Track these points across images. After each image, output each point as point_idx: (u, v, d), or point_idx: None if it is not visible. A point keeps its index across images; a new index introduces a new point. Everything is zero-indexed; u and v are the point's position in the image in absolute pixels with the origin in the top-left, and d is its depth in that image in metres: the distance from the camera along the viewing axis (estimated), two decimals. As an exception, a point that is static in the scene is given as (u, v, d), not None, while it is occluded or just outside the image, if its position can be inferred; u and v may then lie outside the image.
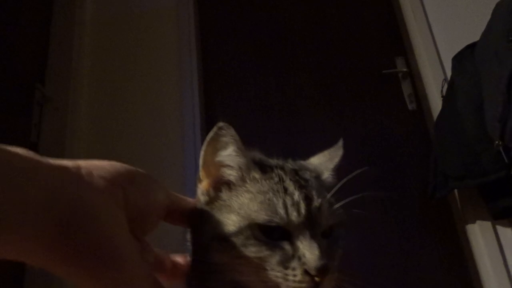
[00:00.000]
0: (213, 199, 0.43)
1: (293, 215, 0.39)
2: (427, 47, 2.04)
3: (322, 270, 0.37)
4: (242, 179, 0.43)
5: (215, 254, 0.39)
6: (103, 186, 0.31)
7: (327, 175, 0.48)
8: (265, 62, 2.21)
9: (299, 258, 0.38)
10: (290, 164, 0.46)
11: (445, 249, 1.84)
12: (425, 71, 2.03)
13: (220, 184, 0.44)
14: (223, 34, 2.30)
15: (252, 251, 0.38)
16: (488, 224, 1.74)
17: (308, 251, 0.38)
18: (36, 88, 1.88)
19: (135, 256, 0.32)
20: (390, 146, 2.01)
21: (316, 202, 0.41)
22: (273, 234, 0.39)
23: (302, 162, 0.50)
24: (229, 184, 0.43)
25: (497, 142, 1.38)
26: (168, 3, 2.27)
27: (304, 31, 2.26)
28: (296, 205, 0.39)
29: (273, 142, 1.99)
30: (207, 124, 2.04)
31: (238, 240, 0.38)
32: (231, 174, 0.43)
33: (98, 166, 0.33)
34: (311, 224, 0.40)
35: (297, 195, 0.40)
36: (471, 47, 1.73)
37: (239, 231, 0.39)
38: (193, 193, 0.46)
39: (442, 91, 1.91)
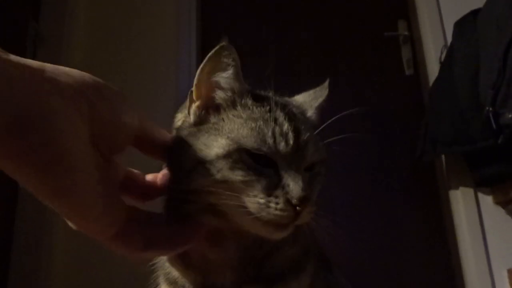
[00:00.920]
0: (202, 121, 0.43)
1: (281, 145, 0.40)
2: (430, 10, 2.01)
3: (304, 200, 0.38)
4: (233, 104, 0.43)
5: (198, 178, 0.39)
6: (69, 94, 0.30)
7: (311, 113, 0.49)
8: (264, 16, 2.17)
9: (283, 188, 0.38)
10: (278, 98, 0.46)
11: (426, 212, 1.90)
12: (426, 36, 2.00)
13: (208, 107, 0.44)
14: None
15: (239, 174, 0.38)
16: (470, 191, 1.79)
17: (293, 182, 0.39)
18: (30, 26, 1.83)
19: (88, 166, 0.31)
20: (384, 109, 2.01)
21: (304, 135, 0.42)
22: (259, 162, 0.39)
23: (287, 98, 0.51)
24: (218, 108, 0.43)
25: (487, 108, 1.38)
26: None
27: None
28: (284, 135, 0.40)
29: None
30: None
31: (225, 163, 0.39)
32: (222, 97, 0.43)
33: (66, 73, 0.31)
34: (297, 156, 0.41)
35: (286, 126, 0.41)
36: (474, 13, 1.70)
37: (228, 154, 0.39)
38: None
39: (440, 57, 1.90)
